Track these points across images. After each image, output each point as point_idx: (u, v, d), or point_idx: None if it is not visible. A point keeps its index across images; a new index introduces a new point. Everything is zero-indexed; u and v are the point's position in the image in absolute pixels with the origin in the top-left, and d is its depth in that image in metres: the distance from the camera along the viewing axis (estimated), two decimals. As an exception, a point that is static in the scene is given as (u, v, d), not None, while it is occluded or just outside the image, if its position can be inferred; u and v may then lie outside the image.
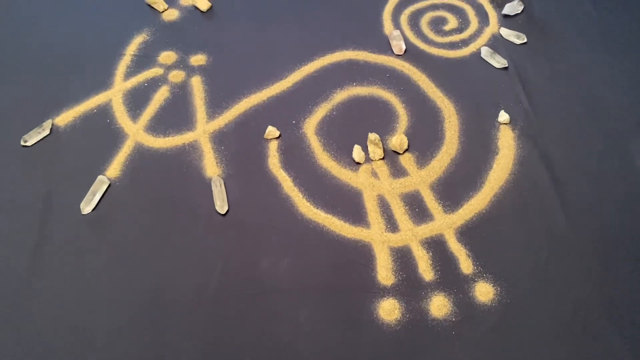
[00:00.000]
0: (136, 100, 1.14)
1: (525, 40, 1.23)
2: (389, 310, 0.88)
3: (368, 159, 1.06)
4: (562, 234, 0.95)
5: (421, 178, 1.03)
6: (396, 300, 0.89)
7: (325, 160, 1.06)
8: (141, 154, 1.06)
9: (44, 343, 0.85)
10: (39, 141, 1.07)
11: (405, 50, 1.22)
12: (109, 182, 1.01)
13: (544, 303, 0.88)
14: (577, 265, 0.92)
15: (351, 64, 1.20)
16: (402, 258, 0.94)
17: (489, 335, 0.85)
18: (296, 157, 1.06)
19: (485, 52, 1.21)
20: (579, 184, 1.01)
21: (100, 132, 1.09)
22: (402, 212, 0.99)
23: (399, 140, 1.06)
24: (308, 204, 1.00)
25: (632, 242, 0.94)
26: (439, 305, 0.88)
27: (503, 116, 1.10)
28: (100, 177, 1.01)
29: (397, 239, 0.96)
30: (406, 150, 1.07)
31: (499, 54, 1.20)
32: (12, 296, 0.89)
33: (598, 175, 1.02)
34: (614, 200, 0.99)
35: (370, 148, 1.06)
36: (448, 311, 0.88)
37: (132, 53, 1.22)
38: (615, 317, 0.87)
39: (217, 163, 1.05)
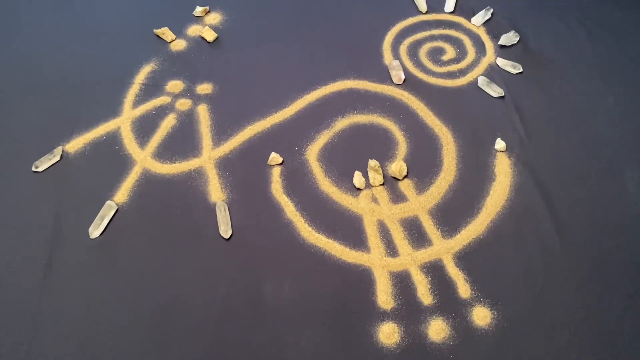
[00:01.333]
0: (144, 128, 1.18)
1: (521, 70, 1.27)
2: (388, 334, 0.90)
3: (368, 185, 1.09)
4: (558, 259, 0.97)
5: (420, 204, 1.06)
6: (395, 324, 0.91)
7: (326, 185, 1.09)
8: (148, 180, 1.09)
9: (51, 365, 0.87)
10: (49, 167, 1.11)
11: (405, 80, 1.26)
12: (116, 207, 1.04)
13: (540, 328, 0.90)
14: (572, 290, 0.94)
15: (352, 92, 1.24)
16: (402, 282, 0.96)
17: (486, 359, 0.87)
18: (298, 182, 1.09)
19: (482, 82, 1.25)
20: (574, 210, 1.04)
21: (109, 159, 1.12)
22: (401, 237, 1.02)
23: (398, 166, 1.09)
24: (310, 228, 1.03)
25: (627, 267, 0.96)
26: (437, 329, 0.90)
27: (499, 144, 1.13)
28: (108, 202, 1.04)
29: (396, 264, 0.98)
30: (405, 176, 1.10)
31: (496, 84, 1.24)
32: (22, 317, 0.92)
33: (592, 201, 1.05)
34: (608, 225, 1.01)
35: (371, 174, 1.09)
36: (446, 335, 0.89)
37: (141, 82, 1.26)
38: (611, 343, 0.88)
39: (221, 188, 1.08)
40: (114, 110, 1.21)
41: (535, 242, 0.99)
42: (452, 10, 1.42)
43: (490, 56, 1.31)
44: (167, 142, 1.16)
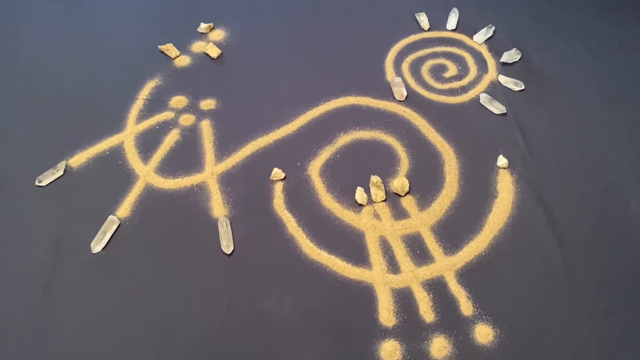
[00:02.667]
0: (147, 143, 1.18)
1: (523, 87, 1.28)
2: (390, 351, 0.89)
3: (370, 201, 1.09)
4: (560, 276, 0.97)
5: (422, 220, 1.06)
6: (397, 342, 0.90)
7: (328, 201, 1.09)
8: (151, 195, 1.09)
9: (51, 381, 0.87)
10: (52, 181, 1.11)
11: (407, 96, 1.27)
12: (119, 222, 1.04)
13: (542, 346, 0.89)
14: (575, 308, 0.93)
15: (354, 109, 1.25)
16: (404, 299, 0.95)
17: (489, 377, 0.86)
18: (301, 198, 1.09)
19: (484, 99, 1.25)
20: (576, 227, 1.03)
21: (112, 174, 1.13)
22: (403, 254, 1.01)
23: (400, 182, 1.09)
24: (312, 244, 1.02)
25: (630, 284, 0.96)
26: (439, 347, 0.89)
27: (502, 161, 1.13)
28: (110, 217, 1.05)
29: (398, 281, 0.98)
30: (407, 192, 1.10)
31: (498, 101, 1.25)
32: (23, 332, 0.91)
33: (594, 219, 1.05)
34: (610, 244, 1.01)
35: (373, 190, 1.09)
36: (448, 353, 0.89)
37: (145, 97, 1.27)
38: (615, 361, 0.87)
39: (224, 204, 1.08)
40: (117, 125, 1.21)
41: (538, 260, 0.99)
42: (454, 28, 1.43)
43: (492, 73, 1.32)
44: (170, 157, 1.16)
